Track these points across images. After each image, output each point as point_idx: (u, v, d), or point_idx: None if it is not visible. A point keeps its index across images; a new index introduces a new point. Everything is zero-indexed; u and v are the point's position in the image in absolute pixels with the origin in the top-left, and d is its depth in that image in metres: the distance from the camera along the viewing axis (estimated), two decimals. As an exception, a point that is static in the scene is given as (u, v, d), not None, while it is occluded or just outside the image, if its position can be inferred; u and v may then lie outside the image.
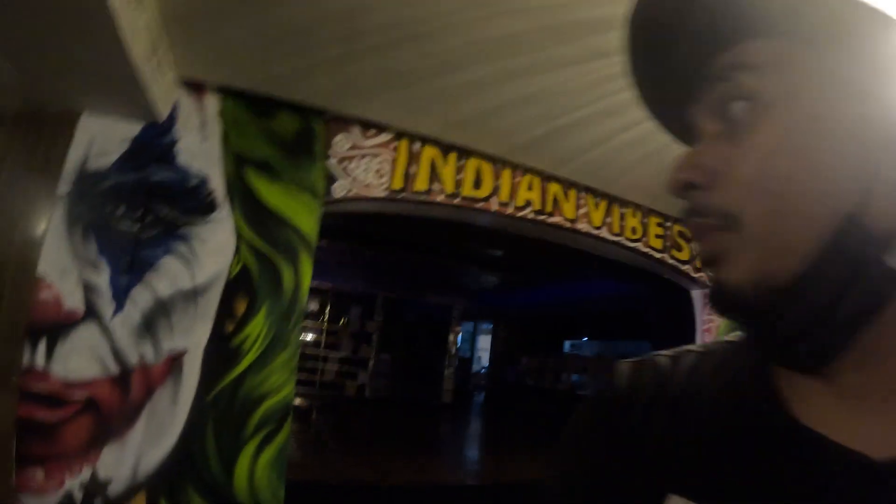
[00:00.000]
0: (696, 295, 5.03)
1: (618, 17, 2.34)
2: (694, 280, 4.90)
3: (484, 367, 18.38)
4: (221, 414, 2.87)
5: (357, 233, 7.84)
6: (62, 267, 2.69)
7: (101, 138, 2.84)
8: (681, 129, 0.60)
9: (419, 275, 12.19)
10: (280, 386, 3.03)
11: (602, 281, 9.68)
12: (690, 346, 0.68)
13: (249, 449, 2.91)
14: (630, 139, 3.37)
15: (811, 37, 0.49)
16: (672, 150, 0.58)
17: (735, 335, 0.65)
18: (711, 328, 4.91)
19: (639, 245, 4.53)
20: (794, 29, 0.49)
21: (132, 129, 2.91)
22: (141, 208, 2.86)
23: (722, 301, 0.51)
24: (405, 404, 13.89)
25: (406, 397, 14.34)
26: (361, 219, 4.12)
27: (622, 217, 4.46)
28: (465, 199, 3.75)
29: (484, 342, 18.82)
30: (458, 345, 16.39)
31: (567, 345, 16.37)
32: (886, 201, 0.45)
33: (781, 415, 0.51)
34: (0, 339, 2.57)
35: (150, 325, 2.80)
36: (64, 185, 2.74)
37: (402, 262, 10.38)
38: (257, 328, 3.01)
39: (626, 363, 0.69)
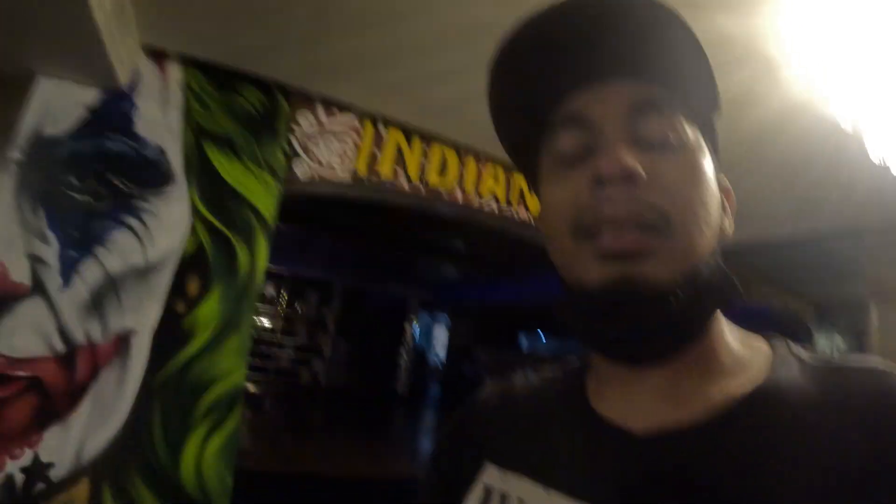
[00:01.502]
0: None
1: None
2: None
3: (440, 360, 18.33)
4: (169, 398, 2.75)
5: (317, 217, 7.69)
6: (8, 237, 2.54)
7: (56, 103, 2.69)
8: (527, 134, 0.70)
9: (378, 264, 12.08)
10: (230, 371, 2.91)
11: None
12: (533, 374, 0.83)
13: (197, 435, 2.79)
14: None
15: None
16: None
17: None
18: None
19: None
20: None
21: (90, 95, 2.76)
22: (95, 179, 2.71)
23: (634, 295, 0.55)
24: (360, 394, 13.75)
25: (362, 387, 14.15)
26: (322, 203, 4.03)
27: None
28: (430, 188, 3.68)
29: (440, 335, 18.78)
30: (416, 336, 16.31)
31: (523, 341, 16.39)
32: (727, 232, 0.65)
33: (584, 404, 0.66)
34: (-62, 312, 2.42)
35: (98, 303, 2.66)
36: (16, 152, 2.59)
37: (361, 250, 10.27)
38: (210, 310, 2.89)
39: (491, 382, 0.86)
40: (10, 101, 2.62)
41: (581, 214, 0.58)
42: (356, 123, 3.45)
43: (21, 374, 2.49)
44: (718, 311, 0.62)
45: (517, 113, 0.69)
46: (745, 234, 4.39)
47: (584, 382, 0.70)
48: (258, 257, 3.06)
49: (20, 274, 2.55)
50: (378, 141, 3.51)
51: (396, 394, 14.87)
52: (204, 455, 2.79)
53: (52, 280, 2.60)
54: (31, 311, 2.54)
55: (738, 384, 0.58)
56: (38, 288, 2.57)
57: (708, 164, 0.61)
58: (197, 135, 2.97)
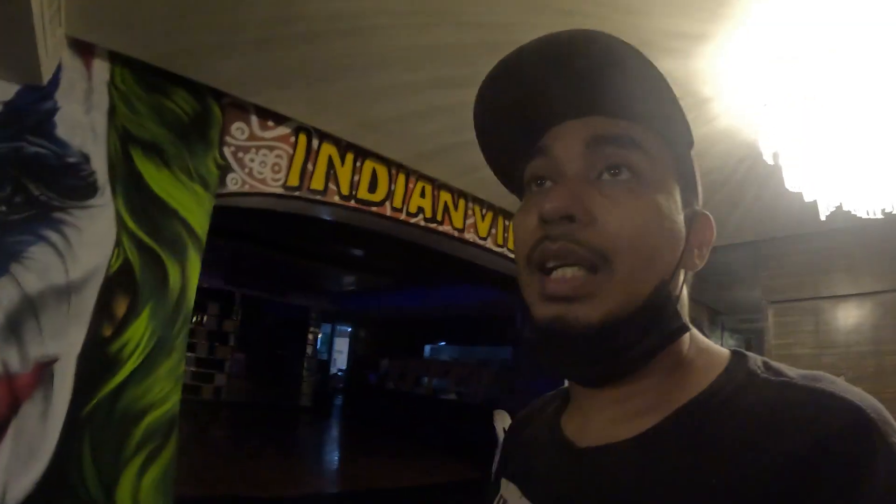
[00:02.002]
0: None
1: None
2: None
3: (341, 370, 18.21)
4: (99, 430, 2.51)
5: (216, 226, 7.45)
6: None
7: (-38, 97, 2.38)
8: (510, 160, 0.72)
9: (279, 274, 11.88)
10: (165, 397, 2.72)
11: (465, 287, 9.85)
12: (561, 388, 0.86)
13: (132, 469, 2.58)
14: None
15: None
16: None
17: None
18: None
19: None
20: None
21: (5, 89, 2.46)
22: (9, 185, 2.42)
23: (565, 333, 0.58)
24: (263, 407, 13.45)
25: (264, 400, 13.84)
26: (221, 211, 3.90)
27: (505, 229, 4.56)
28: (359, 201, 3.60)
29: (341, 345, 18.70)
30: (318, 347, 16.18)
31: (427, 349, 16.47)
32: (680, 277, 0.63)
33: (557, 424, 0.71)
34: None
35: (14, 327, 2.37)
36: None
37: (261, 260, 10.03)
38: (139, 332, 2.67)
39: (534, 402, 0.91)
40: None
41: (531, 249, 0.61)
42: (290, 135, 3.32)
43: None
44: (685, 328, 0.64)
45: (500, 147, 0.73)
46: None
47: (567, 399, 0.76)
48: (189, 274, 2.86)
49: (-82, 294, 2.24)
50: (311, 153, 3.40)
51: (299, 405, 14.66)
52: (140, 489, 2.58)
53: (-40, 301, 2.30)
54: (-66, 338, 2.24)
55: (678, 399, 0.59)
56: (-57, 310, 2.27)
57: (666, 200, 0.62)
58: (123, 140, 2.72)
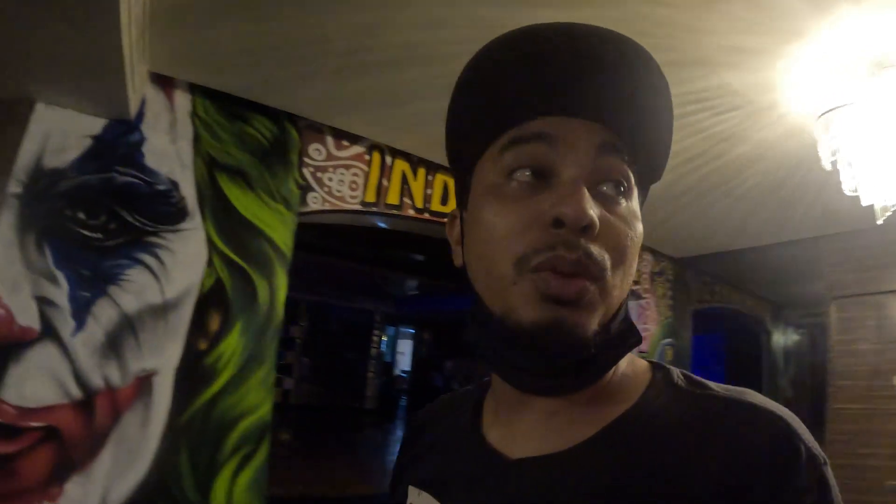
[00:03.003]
0: (632, 306, 5.18)
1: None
2: (630, 291, 4.98)
3: (405, 372, 18.22)
4: (196, 437, 2.63)
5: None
6: (12, 279, 2.35)
7: (58, 133, 2.50)
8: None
9: (344, 280, 11.92)
10: (257, 405, 2.82)
11: None
12: (460, 389, 0.88)
13: (227, 472, 2.69)
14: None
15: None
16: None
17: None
18: (647, 336, 5.09)
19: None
20: None
21: (94, 124, 2.59)
22: (104, 214, 2.55)
23: (561, 338, 0.55)
24: (330, 410, 13.57)
25: (330, 403, 13.97)
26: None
27: None
28: (432, 213, 3.66)
29: (404, 347, 18.67)
30: (382, 350, 16.16)
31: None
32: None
33: (477, 432, 0.70)
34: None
35: (115, 345, 2.51)
36: (14, 184, 2.40)
37: (326, 267, 10.15)
38: (232, 345, 2.78)
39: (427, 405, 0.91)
40: (6, 129, 2.43)
41: (532, 250, 0.56)
42: (365, 153, 3.39)
43: (35, 424, 2.31)
44: None
45: (483, 122, 0.64)
46: (716, 245, 4.75)
47: (482, 405, 0.75)
48: (277, 289, 2.96)
49: (28, 317, 2.36)
50: (385, 170, 3.47)
51: (365, 407, 14.73)
52: (234, 491, 2.69)
53: (64, 323, 2.42)
54: (42, 357, 2.36)
55: (609, 413, 0.60)
56: (49, 332, 2.39)
57: (639, 222, 0.62)
58: (209, 166, 2.83)
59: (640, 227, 0.61)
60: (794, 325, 8.64)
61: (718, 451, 0.51)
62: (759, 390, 0.55)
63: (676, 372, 0.63)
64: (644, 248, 5.17)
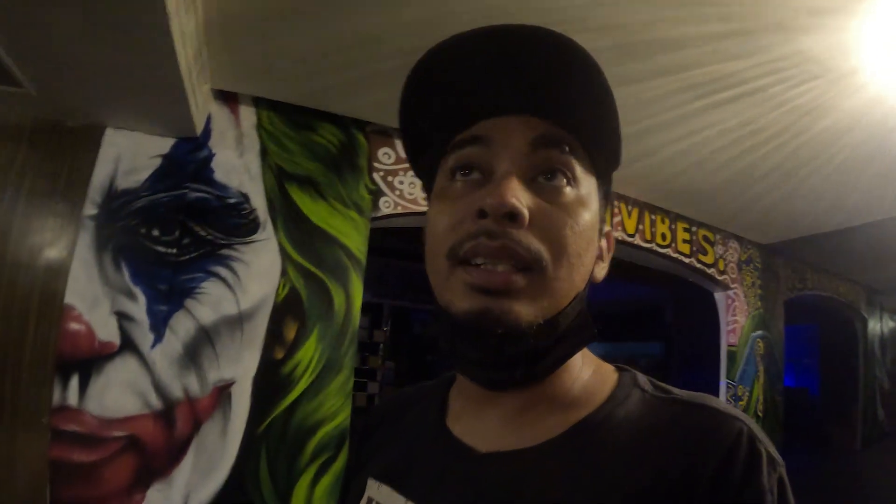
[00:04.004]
0: (720, 297, 5.01)
1: (690, 37, 2.25)
2: (717, 282, 4.86)
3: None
4: (275, 444, 2.64)
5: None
6: (92, 296, 2.41)
7: (128, 155, 2.56)
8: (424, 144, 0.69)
9: (425, 283, 11.93)
10: (336, 412, 2.82)
11: (613, 284, 9.65)
12: (423, 383, 0.86)
13: (306, 479, 2.68)
14: (676, 151, 3.34)
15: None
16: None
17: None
18: (736, 329, 4.85)
19: (668, 251, 4.44)
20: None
21: (163, 144, 2.63)
22: (177, 229, 2.58)
23: (493, 328, 0.55)
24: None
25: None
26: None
27: (652, 224, 4.37)
28: None
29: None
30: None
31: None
32: (597, 277, 0.66)
33: (443, 426, 0.68)
34: (26, 375, 2.29)
35: (193, 356, 2.54)
36: (90, 206, 2.46)
37: (406, 271, 10.28)
38: (309, 353, 2.77)
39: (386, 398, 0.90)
40: (79, 154, 2.49)
41: (459, 242, 0.57)
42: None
43: (117, 433, 2.36)
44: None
45: (425, 130, 0.67)
46: (806, 227, 4.46)
47: (447, 399, 0.74)
48: (353, 296, 2.93)
49: (108, 332, 2.42)
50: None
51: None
52: (314, 498, 2.67)
53: (143, 336, 2.47)
54: (122, 370, 2.42)
55: (577, 413, 0.60)
56: (129, 345, 2.44)
57: (592, 214, 0.62)
58: (278, 177, 2.83)
59: (587, 215, 0.60)
60: (891, 311, 8.16)
61: (681, 452, 0.52)
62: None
63: (643, 377, 0.64)
64: (729, 236, 5.03)
